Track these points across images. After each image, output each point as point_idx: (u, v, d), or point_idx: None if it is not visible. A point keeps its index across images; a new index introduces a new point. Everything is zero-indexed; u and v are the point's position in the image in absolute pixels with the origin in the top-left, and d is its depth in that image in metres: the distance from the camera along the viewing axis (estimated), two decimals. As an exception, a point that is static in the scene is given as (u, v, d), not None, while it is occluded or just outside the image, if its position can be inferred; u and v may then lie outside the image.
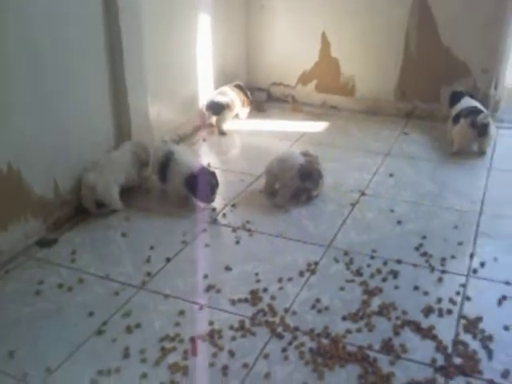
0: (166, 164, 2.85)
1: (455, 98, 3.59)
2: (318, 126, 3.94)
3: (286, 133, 3.81)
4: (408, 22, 3.85)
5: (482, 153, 3.41)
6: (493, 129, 3.40)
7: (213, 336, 1.99)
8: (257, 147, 3.59)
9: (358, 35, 4.01)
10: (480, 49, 3.74)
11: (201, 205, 2.83)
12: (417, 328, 2.01)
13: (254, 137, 3.76)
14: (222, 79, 4.04)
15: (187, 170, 2.79)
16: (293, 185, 2.86)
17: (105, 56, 2.86)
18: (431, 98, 3.94)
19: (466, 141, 3.40)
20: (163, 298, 2.20)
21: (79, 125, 2.76)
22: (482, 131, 3.34)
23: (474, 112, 3.37)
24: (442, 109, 3.82)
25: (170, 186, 2.88)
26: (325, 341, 1.96)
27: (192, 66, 3.71)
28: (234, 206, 2.88)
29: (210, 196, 2.80)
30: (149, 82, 3.15)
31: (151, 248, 2.52)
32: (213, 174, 2.83)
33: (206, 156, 3.48)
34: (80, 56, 2.70)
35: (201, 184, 2.77)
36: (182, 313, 2.11)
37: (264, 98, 4.42)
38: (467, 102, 3.51)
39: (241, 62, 4.37)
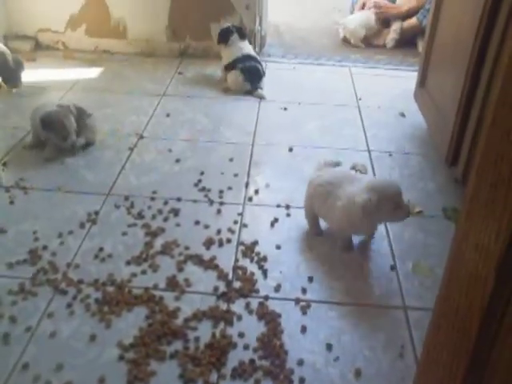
0: None
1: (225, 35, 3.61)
2: (92, 72, 3.78)
3: (59, 82, 3.60)
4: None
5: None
6: (263, 80, 3.56)
7: (-10, 305, 1.87)
8: (27, 99, 3.35)
9: (121, -27, 3.88)
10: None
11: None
12: (199, 261, 2.08)
13: (24, 88, 3.49)
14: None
15: None
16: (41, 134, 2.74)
17: None
18: (202, 35, 3.98)
19: (240, 87, 3.50)
20: None
21: None
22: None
23: (249, 66, 3.46)
24: (214, 46, 3.90)
25: None
26: (110, 289, 1.94)
27: None
28: (4, 164, 2.68)
29: None
30: None
31: None
32: None
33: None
34: None
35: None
36: (-49, 288, 1.94)
37: (31, 47, 4.10)
38: (240, 49, 3.53)
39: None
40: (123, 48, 4.08)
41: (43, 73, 3.74)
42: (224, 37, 3.58)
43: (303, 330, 1.81)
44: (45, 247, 2.14)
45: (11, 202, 2.41)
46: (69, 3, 4.00)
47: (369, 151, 2.88)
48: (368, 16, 4.45)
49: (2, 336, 1.76)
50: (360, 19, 4.43)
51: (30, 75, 3.62)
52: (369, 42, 4.47)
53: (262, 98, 3.45)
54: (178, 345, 1.75)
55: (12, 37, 4.07)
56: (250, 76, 3.47)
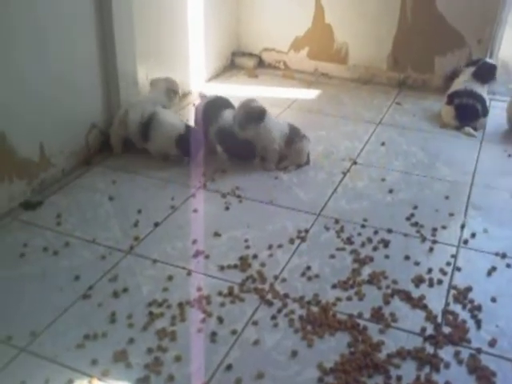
0: (148, 124, 2.84)
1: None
2: (310, 94, 3.88)
3: (277, 99, 3.74)
4: (404, -12, 3.78)
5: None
6: (481, 120, 3.37)
7: (201, 302, 1.97)
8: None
9: (352, 1, 3.92)
10: (475, 19, 3.66)
11: (191, 163, 2.87)
12: (407, 297, 2.00)
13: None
14: (214, 44, 3.97)
15: (175, 130, 2.81)
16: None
17: (93, 19, 2.76)
18: (424, 67, 3.89)
19: (449, 122, 3.39)
20: (151, 262, 2.16)
21: (66, 88, 2.67)
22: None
23: (465, 103, 3.32)
24: (434, 79, 3.81)
25: (153, 147, 2.87)
26: (314, 308, 1.94)
27: (182, 31, 3.60)
28: (223, 171, 2.84)
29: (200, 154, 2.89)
30: (138, 46, 3.05)
31: (139, 212, 2.47)
32: (199, 133, 2.91)
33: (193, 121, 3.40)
34: (69, 17, 2.60)
35: (192, 143, 2.81)
36: (170, 278, 2.07)
37: (254, 64, 4.33)
38: (465, 82, 3.41)
39: (232, 27, 4.26)
40: (342, 73, 4.13)
41: (264, 89, 3.92)
42: (467, 63, 3.58)
43: (521, 396, 1.65)
44: (255, 256, 2.21)
45: (227, 208, 2.54)
46: (295, 26, 4.17)
47: None
48: None
49: (209, 334, 1.84)
50: None
51: (251, 90, 3.82)
52: None
53: (470, 135, 3.28)
54: (378, 379, 1.68)
55: (239, 53, 4.34)
56: (462, 113, 3.32)
